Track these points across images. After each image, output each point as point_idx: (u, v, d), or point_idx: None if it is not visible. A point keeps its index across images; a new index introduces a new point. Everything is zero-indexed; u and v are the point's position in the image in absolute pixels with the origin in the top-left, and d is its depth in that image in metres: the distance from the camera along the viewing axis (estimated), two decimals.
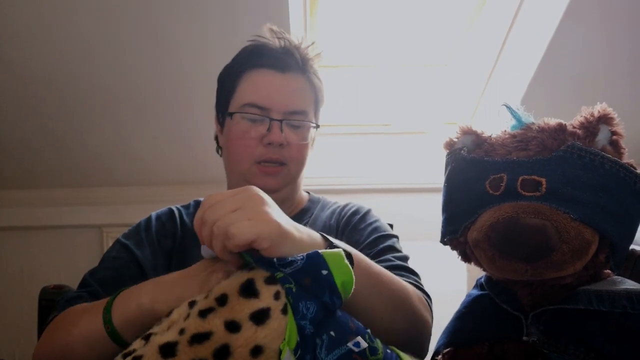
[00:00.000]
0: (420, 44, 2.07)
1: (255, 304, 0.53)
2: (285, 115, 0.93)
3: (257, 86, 0.94)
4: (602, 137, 0.56)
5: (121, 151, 1.91)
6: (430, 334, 0.77)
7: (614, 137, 0.56)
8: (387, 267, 0.80)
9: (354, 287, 0.59)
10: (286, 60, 0.94)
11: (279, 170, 0.94)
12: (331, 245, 0.65)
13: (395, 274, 0.79)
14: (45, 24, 1.52)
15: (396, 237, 0.99)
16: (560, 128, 0.57)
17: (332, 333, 0.56)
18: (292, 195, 1.02)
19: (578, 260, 0.53)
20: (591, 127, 0.56)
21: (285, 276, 0.56)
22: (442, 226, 0.64)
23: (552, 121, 0.58)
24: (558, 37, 1.58)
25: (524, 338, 0.56)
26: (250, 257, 0.59)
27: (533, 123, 0.59)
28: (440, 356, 0.64)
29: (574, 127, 0.57)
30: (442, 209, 0.64)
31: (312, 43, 0.98)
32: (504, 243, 0.52)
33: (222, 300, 0.54)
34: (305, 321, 0.54)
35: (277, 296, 0.54)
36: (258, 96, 0.93)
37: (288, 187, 0.99)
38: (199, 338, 0.52)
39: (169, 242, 0.98)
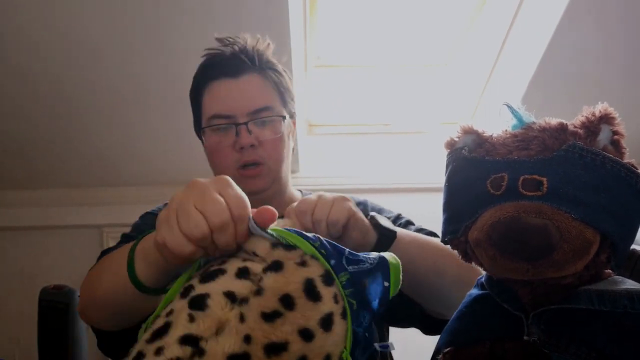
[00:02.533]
0: (420, 44, 2.07)
1: (321, 308, 0.49)
2: (249, 116, 0.96)
3: (216, 97, 0.98)
4: (604, 137, 0.56)
5: (121, 151, 1.91)
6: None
7: (615, 136, 0.56)
8: None
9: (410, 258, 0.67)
10: (236, 64, 0.97)
11: (258, 171, 0.97)
12: (374, 221, 0.79)
13: None
14: (54, 27, 1.53)
15: (401, 214, 1.07)
16: (562, 128, 0.56)
17: (366, 334, 0.53)
18: (280, 192, 1.04)
19: (579, 260, 0.53)
20: (592, 126, 0.56)
21: (349, 280, 0.51)
22: (443, 226, 0.63)
23: (554, 121, 0.58)
24: (558, 37, 1.58)
25: (525, 338, 0.56)
26: (322, 245, 0.53)
27: (534, 122, 0.59)
28: (440, 355, 0.64)
29: (575, 127, 0.57)
30: (443, 209, 0.64)
31: (258, 39, 1.01)
32: (505, 242, 0.52)
33: (287, 302, 0.48)
34: (361, 328, 0.52)
35: (336, 299, 0.50)
36: (219, 106, 0.97)
37: (274, 185, 1.01)
38: (275, 349, 0.46)
39: None
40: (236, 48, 0.99)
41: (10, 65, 1.62)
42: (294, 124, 1.08)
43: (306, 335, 0.47)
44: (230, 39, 1.00)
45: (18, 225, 2.06)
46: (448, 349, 0.63)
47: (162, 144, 1.89)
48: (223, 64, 0.98)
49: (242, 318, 0.47)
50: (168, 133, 1.85)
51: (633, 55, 1.64)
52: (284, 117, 1.00)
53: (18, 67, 1.63)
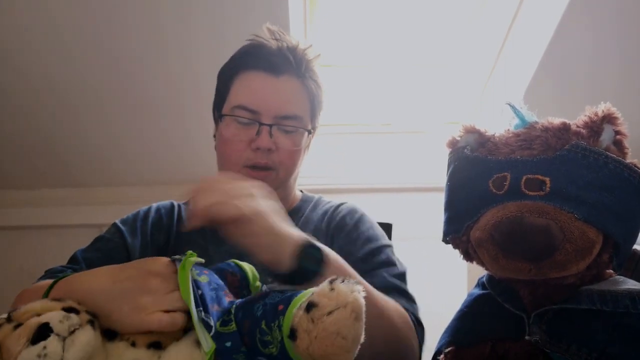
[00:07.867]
0: (420, 44, 2.07)
1: None
2: (276, 119, 0.90)
3: (249, 89, 0.91)
4: (606, 137, 0.56)
5: (121, 151, 1.91)
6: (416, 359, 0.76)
7: (618, 136, 0.56)
8: (379, 287, 0.77)
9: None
10: (281, 63, 0.91)
11: (266, 175, 0.90)
12: (309, 245, 0.67)
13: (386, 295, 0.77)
14: (56, 29, 1.53)
15: (390, 246, 0.95)
16: (564, 127, 0.57)
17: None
18: (284, 197, 0.97)
19: (582, 260, 0.53)
20: (595, 126, 0.56)
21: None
22: (445, 225, 0.63)
23: (556, 120, 0.58)
24: (559, 36, 1.58)
25: (527, 337, 0.56)
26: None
27: (537, 122, 0.59)
28: (442, 355, 0.64)
29: (578, 127, 0.57)
30: (445, 208, 0.64)
31: (310, 46, 0.94)
32: (507, 242, 0.52)
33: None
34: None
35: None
36: (249, 99, 0.90)
37: (277, 191, 0.92)
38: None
39: (162, 237, 0.98)
40: (284, 45, 0.91)
41: (10, 65, 1.62)
42: (312, 137, 1.02)
43: None
44: (281, 33, 0.93)
45: (18, 225, 2.05)
46: (449, 348, 0.63)
47: (163, 144, 1.89)
48: (266, 56, 0.90)
49: None
50: (169, 133, 1.85)
51: (633, 55, 1.64)
52: (309, 132, 0.95)
53: (18, 67, 1.63)
